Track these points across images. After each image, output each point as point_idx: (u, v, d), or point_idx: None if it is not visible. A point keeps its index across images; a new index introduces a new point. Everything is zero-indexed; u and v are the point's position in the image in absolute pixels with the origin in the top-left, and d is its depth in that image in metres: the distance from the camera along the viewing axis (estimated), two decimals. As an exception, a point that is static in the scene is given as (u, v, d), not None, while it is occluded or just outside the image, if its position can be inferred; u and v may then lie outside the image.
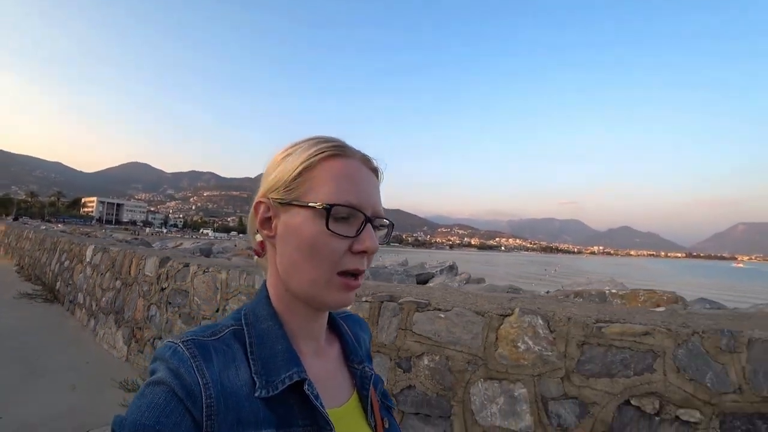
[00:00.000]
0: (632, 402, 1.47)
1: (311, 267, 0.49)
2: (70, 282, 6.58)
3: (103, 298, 5.11)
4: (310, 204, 0.49)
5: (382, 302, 2.16)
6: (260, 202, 0.54)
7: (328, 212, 0.48)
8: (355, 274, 0.50)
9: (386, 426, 0.58)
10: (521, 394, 1.68)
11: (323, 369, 0.55)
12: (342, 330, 0.63)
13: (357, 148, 0.55)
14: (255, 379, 0.47)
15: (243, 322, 0.52)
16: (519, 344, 1.73)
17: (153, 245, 9.65)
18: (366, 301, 2.21)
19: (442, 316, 1.95)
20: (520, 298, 2.32)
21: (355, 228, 0.50)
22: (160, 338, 3.75)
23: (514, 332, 1.75)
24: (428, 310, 2.00)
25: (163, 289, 3.99)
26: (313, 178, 0.50)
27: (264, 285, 0.57)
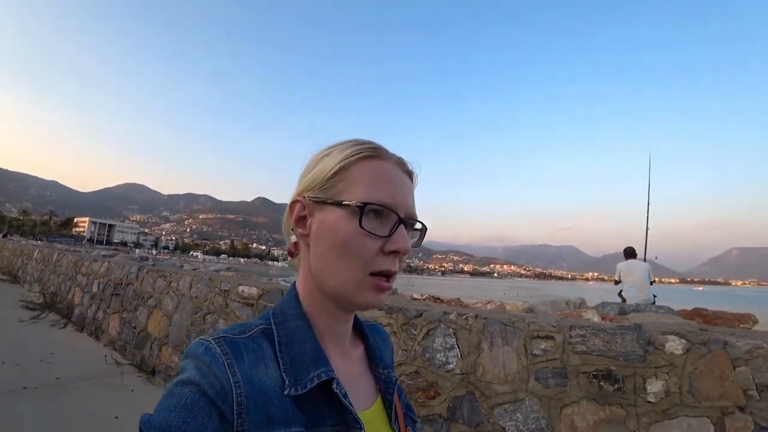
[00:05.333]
0: (125, 275, 6.35)
1: (343, 266, 0.49)
2: (24, 271, 11.41)
3: (35, 274, 9.96)
4: (344, 202, 0.49)
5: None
6: (296, 200, 0.55)
7: (361, 210, 0.48)
8: (387, 276, 0.51)
9: None
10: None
11: (349, 371, 0.56)
12: (366, 334, 0.63)
13: (392, 152, 0.55)
14: (284, 377, 0.47)
15: (272, 321, 0.53)
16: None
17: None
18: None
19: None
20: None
21: (388, 228, 0.50)
22: (50, 287, 8.55)
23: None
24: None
25: (55, 266, 8.86)
26: (348, 177, 0.51)
27: (293, 285, 0.58)
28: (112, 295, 5.53)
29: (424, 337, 2.44)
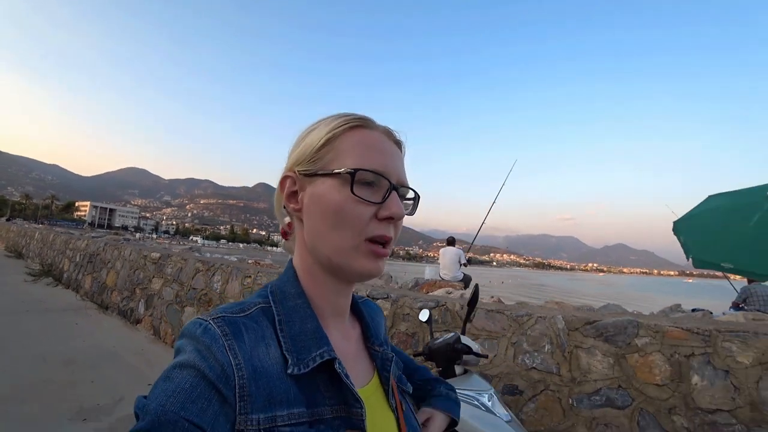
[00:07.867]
0: (99, 250, 8.78)
1: (337, 234, 0.49)
2: (28, 249, 13.91)
3: (36, 251, 12.43)
4: (335, 171, 0.50)
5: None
6: (286, 176, 0.55)
7: (352, 177, 0.49)
8: (383, 243, 0.51)
9: (404, 408, 0.60)
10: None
11: (347, 349, 0.56)
12: (363, 312, 0.64)
13: (380, 122, 0.56)
14: (287, 356, 0.47)
15: (270, 299, 0.53)
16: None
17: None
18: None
19: (87, 239, 9.29)
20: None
21: (381, 195, 0.50)
22: (47, 260, 11.00)
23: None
24: (86, 239, 9.33)
25: (52, 244, 11.30)
26: (337, 147, 0.51)
27: (290, 263, 0.57)
28: (87, 262, 7.96)
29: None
